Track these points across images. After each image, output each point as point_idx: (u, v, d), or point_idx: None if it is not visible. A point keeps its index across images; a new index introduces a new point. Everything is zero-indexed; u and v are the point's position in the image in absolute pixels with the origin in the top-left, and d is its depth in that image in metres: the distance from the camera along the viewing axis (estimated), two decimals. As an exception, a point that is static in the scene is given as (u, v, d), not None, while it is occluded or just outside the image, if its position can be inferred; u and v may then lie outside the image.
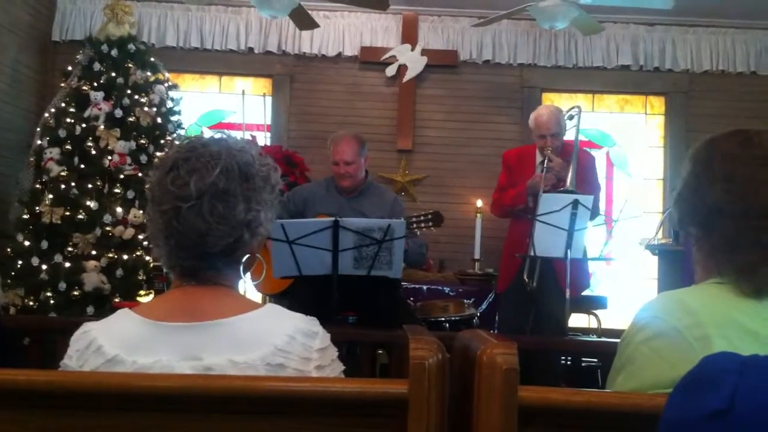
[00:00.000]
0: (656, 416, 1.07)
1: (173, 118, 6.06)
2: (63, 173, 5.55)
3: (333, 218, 3.96)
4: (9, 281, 5.31)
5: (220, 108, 7.14)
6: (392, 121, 6.96)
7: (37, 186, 5.64)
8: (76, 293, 5.29)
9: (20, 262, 5.39)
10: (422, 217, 4.55)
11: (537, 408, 1.25)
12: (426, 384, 1.24)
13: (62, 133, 5.64)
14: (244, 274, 1.56)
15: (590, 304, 5.95)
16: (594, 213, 4.46)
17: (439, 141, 6.96)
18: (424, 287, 5.75)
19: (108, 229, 5.44)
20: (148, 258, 5.41)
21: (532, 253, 4.46)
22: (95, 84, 5.80)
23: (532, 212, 4.59)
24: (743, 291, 1.40)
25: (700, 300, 1.41)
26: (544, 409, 1.26)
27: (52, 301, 5.27)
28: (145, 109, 5.78)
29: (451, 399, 1.35)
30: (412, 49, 6.91)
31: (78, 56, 6.01)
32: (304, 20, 6.02)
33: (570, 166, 4.70)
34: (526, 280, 4.64)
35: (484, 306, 5.52)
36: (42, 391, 1.28)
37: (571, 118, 4.95)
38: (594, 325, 6.04)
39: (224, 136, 1.57)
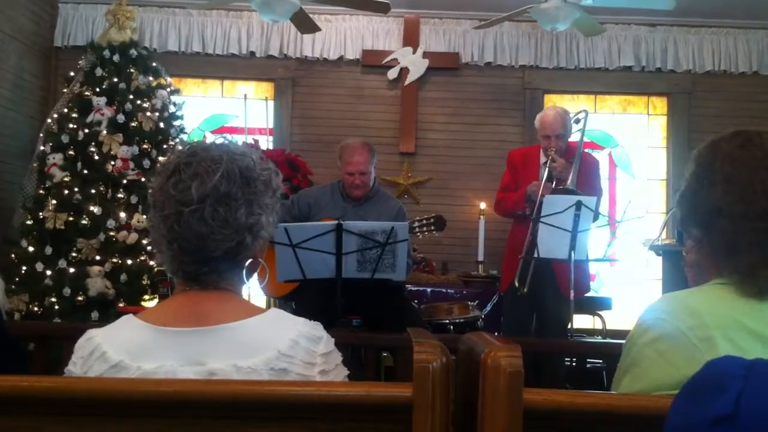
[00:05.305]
0: (661, 418, 1.06)
1: (176, 123, 6.08)
2: (66, 179, 5.56)
3: (336, 221, 3.96)
4: (13, 287, 5.32)
5: (222, 112, 7.15)
6: (395, 124, 6.96)
7: (41, 192, 5.65)
8: (80, 299, 5.30)
9: (24, 267, 5.41)
10: (424, 222, 4.55)
11: (542, 410, 1.25)
12: (430, 387, 1.24)
13: (65, 138, 5.66)
14: (248, 279, 1.56)
15: (595, 305, 5.95)
16: (595, 217, 4.45)
17: (441, 143, 6.96)
18: (428, 290, 5.75)
19: (112, 234, 5.44)
20: (152, 263, 5.42)
21: (535, 255, 4.45)
22: (98, 89, 5.81)
23: (530, 218, 4.60)
24: (746, 292, 1.40)
25: (703, 301, 1.41)
26: (550, 412, 1.25)
27: (56, 307, 5.28)
28: (148, 114, 5.79)
29: (455, 402, 1.35)
30: (414, 52, 6.91)
31: (80, 62, 6.03)
32: (305, 24, 6.02)
33: (572, 167, 4.69)
34: (517, 284, 4.62)
35: (488, 308, 5.52)
36: (46, 397, 1.28)
37: (577, 121, 4.94)
38: (599, 326, 6.04)
39: (225, 141, 1.58)
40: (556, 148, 4.81)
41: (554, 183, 4.75)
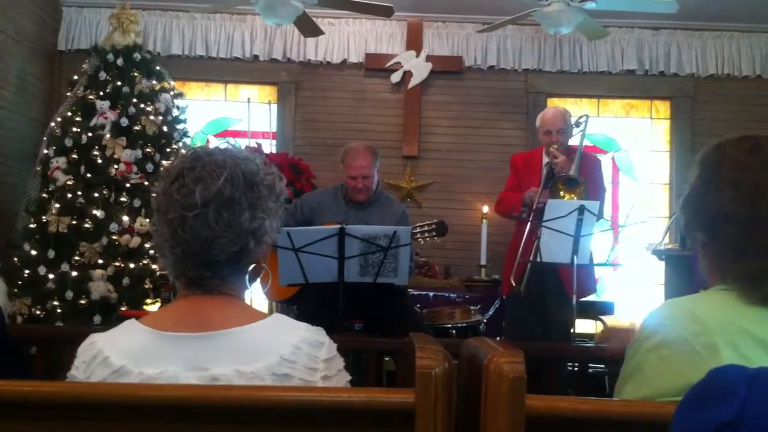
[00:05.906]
0: (665, 425, 1.06)
1: (179, 127, 6.07)
2: (69, 182, 5.55)
3: (338, 225, 3.96)
4: (16, 290, 5.31)
5: (225, 116, 7.16)
6: (398, 128, 6.96)
7: (44, 195, 5.64)
8: (83, 302, 5.29)
9: (27, 271, 5.40)
10: (426, 227, 4.54)
11: (544, 417, 1.24)
12: (433, 393, 1.23)
13: (68, 142, 5.65)
14: (251, 284, 1.55)
15: (597, 310, 5.93)
16: (598, 216, 4.45)
17: (444, 147, 6.96)
18: (431, 294, 5.75)
19: (114, 237, 5.44)
20: (154, 267, 5.41)
21: (537, 259, 4.44)
22: (101, 93, 5.80)
23: (528, 221, 4.60)
24: (750, 298, 1.39)
25: (706, 307, 1.40)
26: (552, 418, 1.25)
27: (59, 311, 5.27)
28: (151, 117, 5.78)
29: (458, 407, 1.35)
30: (417, 56, 6.91)
31: (84, 65, 6.03)
32: (308, 27, 6.03)
33: (573, 164, 4.70)
34: (513, 284, 4.61)
35: (490, 312, 5.51)
36: (49, 402, 1.28)
37: (578, 125, 4.95)
38: (601, 330, 6.02)
39: (229, 146, 1.58)
40: (558, 144, 4.82)
41: (555, 178, 4.75)
